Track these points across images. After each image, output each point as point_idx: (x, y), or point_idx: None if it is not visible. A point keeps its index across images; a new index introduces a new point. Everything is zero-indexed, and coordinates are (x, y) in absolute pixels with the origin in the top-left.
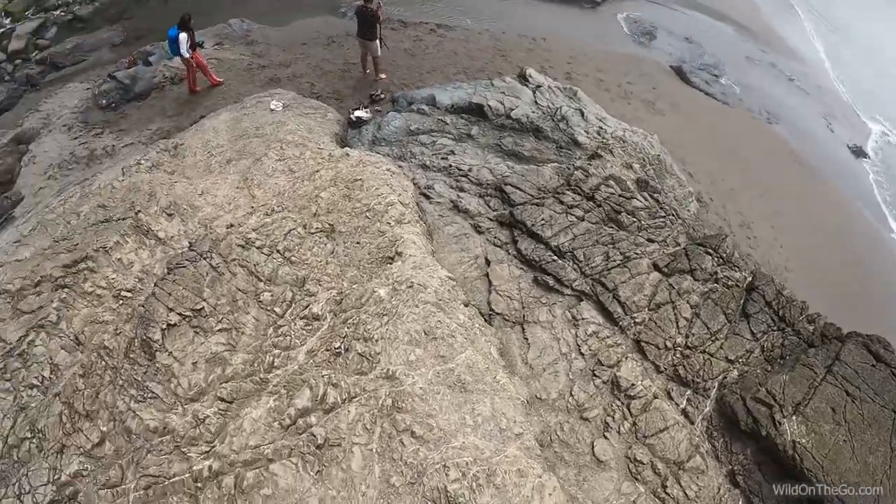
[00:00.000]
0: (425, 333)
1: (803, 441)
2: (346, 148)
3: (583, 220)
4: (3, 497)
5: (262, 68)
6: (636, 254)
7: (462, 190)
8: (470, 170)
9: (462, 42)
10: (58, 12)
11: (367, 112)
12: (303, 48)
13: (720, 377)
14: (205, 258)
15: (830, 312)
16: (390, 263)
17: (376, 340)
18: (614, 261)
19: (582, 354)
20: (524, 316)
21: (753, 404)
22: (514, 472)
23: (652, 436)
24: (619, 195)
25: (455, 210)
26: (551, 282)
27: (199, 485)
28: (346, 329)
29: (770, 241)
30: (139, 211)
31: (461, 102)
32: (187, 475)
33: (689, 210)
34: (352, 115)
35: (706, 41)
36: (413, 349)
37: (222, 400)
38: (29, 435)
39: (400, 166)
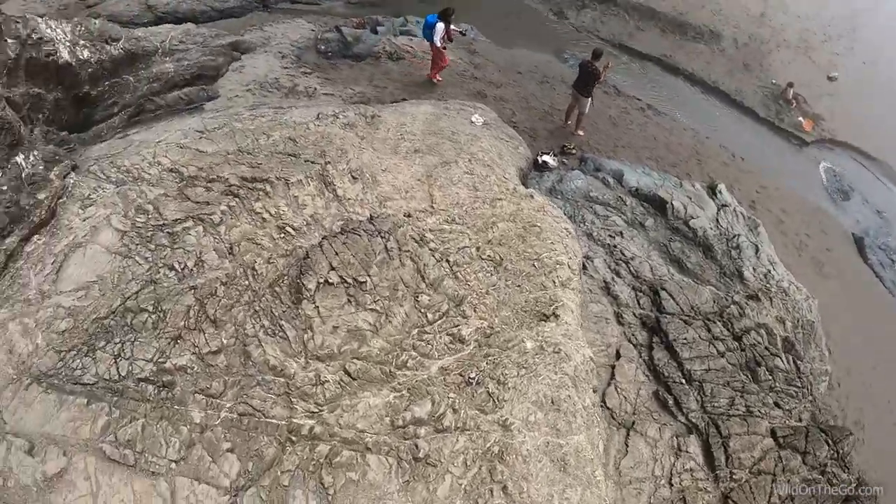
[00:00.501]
0: (552, 402)
1: None
2: (532, 189)
3: (723, 356)
4: (99, 349)
5: (475, 80)
6: (760, 412)
7: (618, 275)
8: (632, 258)
9: (665, 131)
10: None
11: (554, 160)
12: (517, 76)
13: None
14: (382, 237)
15: None
16: (544, 321)
17: (508, 388)
18: (737, 410)
19: (671, 485)
20: (633, 423)
21: None
22: None
23: None
24: (765, 348)
25: (605, 291)
26: (670, 402)
27: (292, 438)
28: (484, 364)
29: (877, 452)
30: (329, 162)
31: (646, 190)
32: (284, 423)
33: (819, 388)
34: (539, 158)
35: None
36: (536, 411)
37: (347, 373)
38: (150, 309)
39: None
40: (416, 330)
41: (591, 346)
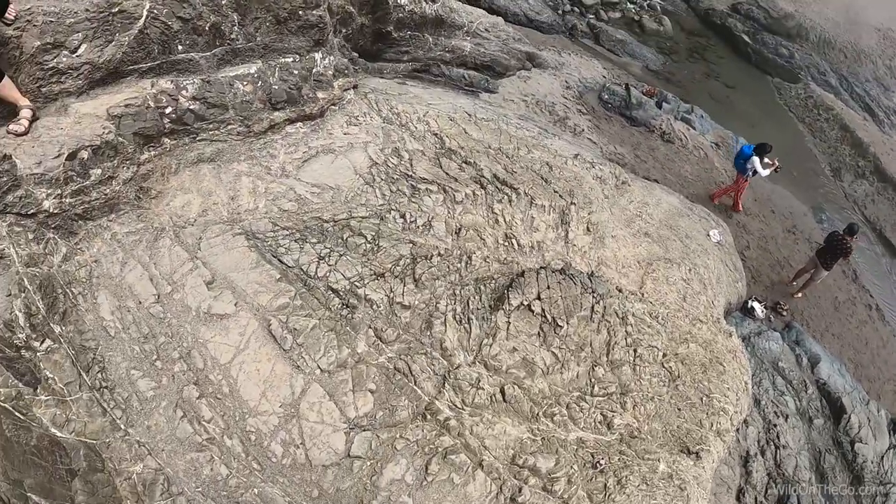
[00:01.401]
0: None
1: None
2: (732, 328)
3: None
4: (310, 243)
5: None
6: None
7: (762, 454)
8: (784, 447)
9: (881, 340)
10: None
11: (763, 312)
12: (768, 213)
13: None
14: (594, 297)
15: None
16: (685, 455)
17: (623, 492)
18: None
19: None
20: None
21: None
22: None
23: None
24: None
25: (742, 462)
26: None
27: (427, 415)
28: (616, 458)
29: None
30: (574, 203)
31: (833, 389)
32: (428, 399)
33: None
34: (749, 302)
35: None
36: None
37: (502, 392)
38: (368, 238)
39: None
40: (577, 393)
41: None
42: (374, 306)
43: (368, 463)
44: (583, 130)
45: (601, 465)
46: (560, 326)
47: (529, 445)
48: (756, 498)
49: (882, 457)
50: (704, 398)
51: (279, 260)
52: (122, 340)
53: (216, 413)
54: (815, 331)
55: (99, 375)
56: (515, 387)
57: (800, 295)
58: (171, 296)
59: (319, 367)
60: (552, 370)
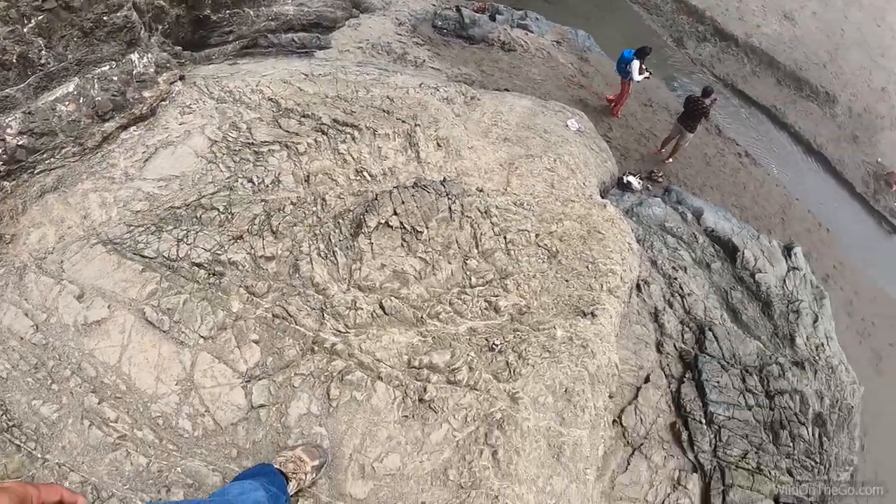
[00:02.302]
0: (565, 391)
1: None
2: (607, 201)
3: (750, 409)
4: (166, 231)
5: (580, 87)
6: (769, 474)
7: (670, 306)
8: (689, 294)
9: (756, 182)
10: None
11: (639, 183)
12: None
13: None
14: (449, 199)
15: None
16: (581, 317)
17: (527, 364)
18: (748, 463)
19: None
20: (641, 445)
21: None
22: None
23: None
24: (794, 414)
25: (653, 318)
26: (684, 437)
27: (314, 348)
28: (511, 336)
29: None
30: (419, 125)
31: (721, 233)
32: (311, 335)
33: (839, 476)
34: (624, 177)
35: None
36: (547, 395)
37: (382, 308)
38: (221, 209)
39: (638, 249)
40: (457, 289)
41: (624, 364)
42: (240, 266)
43: (273, 408)
44: (424, 61)
45: (497, 345)
46: (420, 232)
47: (422, 347)
48: (675, 345)
49: (784, 280)
50: (590, 265)
51: (140, 255)
52: (16, 378)
53: (120, 411)
54: (693, 188)
55: (3, 417)
56: (392, 298)
57: (671, 160)
58: (47, 322)
59: (201, 336)
60: (424, 274)
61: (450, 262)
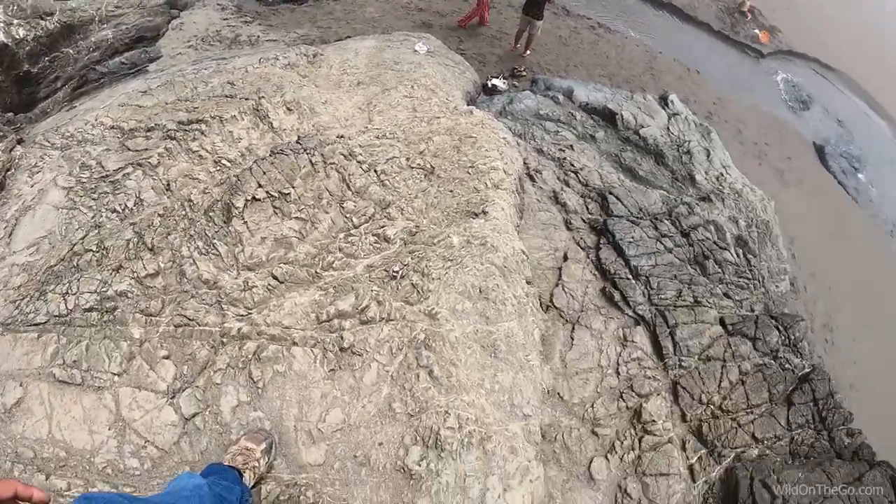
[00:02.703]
0: (480, 291)
1: None
2: (472, 107)
3: (670, 251)
4: (50, 290)
5: (420, 10)
6: (708, 303)
7: (567, 185)
8: (582, 169)
9: (617, 48)
10: None
11: (504, 83)
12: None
13: (739, 449)
14: (307, 153)
15: (879, 447)
16: (473, 219)
17: (433, 279)
18: (684, 300)
19: (618, 374)
20: (579, 318)
21: (759, 488)
22: (507, 447)
23: (650, 476)
24: (714, 242)
25: (553, 200)
26: (617, 297)
27: (223, 340)
28: (409, 259)
29: (846, 354)
30: (263, 97)
31: (596, 104)
32: (217, 329)
33: (778, 287)
34: (489, 82)
35: (857, 130)
36: (463, 301)
37: (275, 278)
38: (94, 249)
39: (518, 142)
40: (343, 234)
41: (539, 251)
42: (128, 294)
43: (206, 412)
44: (258, 37)
45: (397, 271)
46: (287, 194)
47: (325, 300)
48: (582, 218)
49: (667, 128)
50: (470, 169)
51: (33, 325)
52: None
53: (70, 478)
54: (558, 71)
55: None
56: (282, 265)
57: (528, 52)
58: None
59: (114, 374)
60: (306, 232)
61: (327, 212)
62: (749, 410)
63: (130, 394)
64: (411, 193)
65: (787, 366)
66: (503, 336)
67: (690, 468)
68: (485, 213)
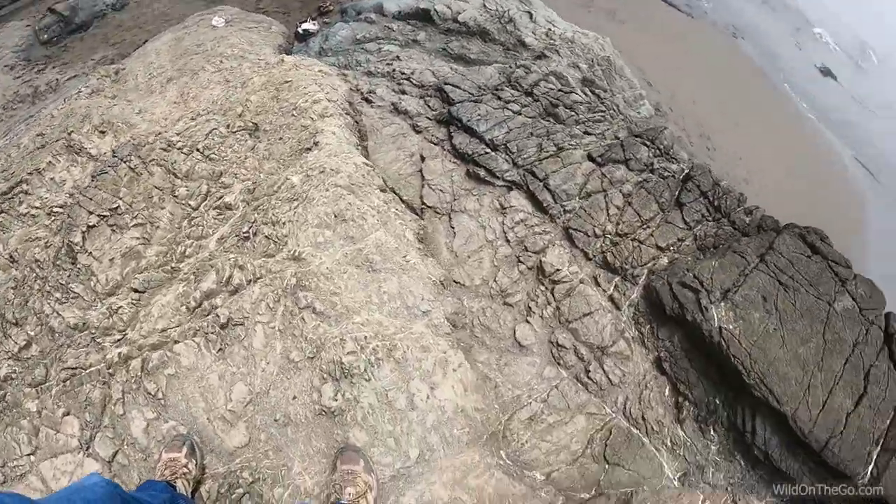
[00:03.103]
0: (335, 216)
1: (730, 327)
2: (282, 56)
3: (519, 113)
4: None
5: None
6: (570, 145)
7: (404, 93)
8: (413, 73)
9: None
10: None
11: (314, 24)
12: None
13: (649, 264)
14: (124, 161)
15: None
16: (307, 153)
17: (284, 224)
18: (547, 151)
19: (508, 241)
20: (452, 207)
21: (680, 289)
22: (418, 347)
23: (575, 320)
24: (559, 90)
25: (395, 112)
26: (483, 174)
27: (110, 371)
28: (256, 215)
29: (730, 153)
30: (72, 132)
31: (408, 9)
32: (102, 364)
33: (639, 112)
34: (299, 28)
35: None
36: (322, 231)
37: (135, 291)
38: None
39: (345, 73)
40: (185, 221)
41: (396, 162)
42: (12, 376)
43: (123, 446)
44: (57, 80)
45: (246, 231)
46: (116, 207)
47: (190, 290)
48: (426, 117)
49: (483, 5)
50: (294, 112)
51: None
52: None
53: None
54: None
55: None
56: (137, 276)
57: None
58: None
59: (29, 454)
60: (148, 235)
61: (162, 208)
62: (644, 226)
63: (50, 465)
64: (241, 156)
65: (666, 174)
66: (374, 248)
67: (611, 298)
68: (316, 143)
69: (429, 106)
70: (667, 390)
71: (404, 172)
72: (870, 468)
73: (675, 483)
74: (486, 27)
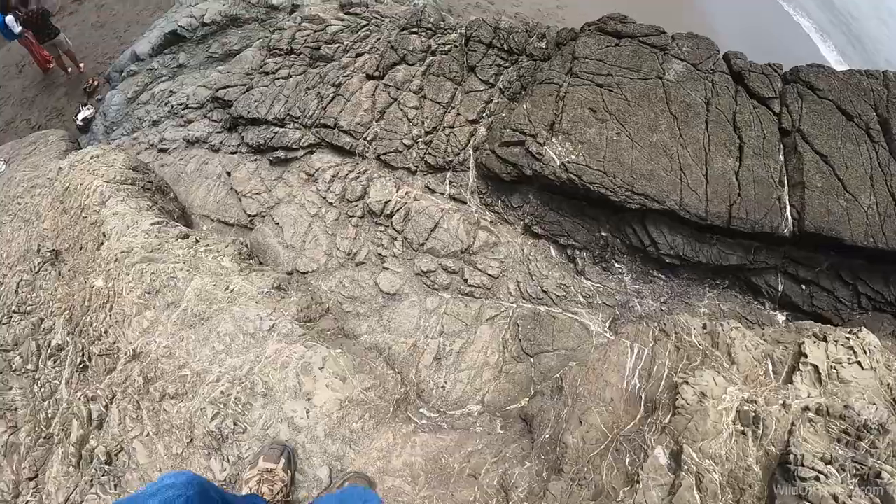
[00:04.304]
0: (147, 293)
1: (572, 158)
2: (59, 162)
3: (289, 77)
4: None
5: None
6: (345, 76)
7: (189, 122)
8: (189, 98)
9: None
10: None
11: (89, 109)
12: None
13: (471, 142)
14: None
15: None
16: (101, 248)
17: (107, 332)
18: (327, 97)
19: (331, 204)
20: (272, 206)
21: (504, 149)
22: (276, 368)
23: (427, 240)
24: (315, 31)
25: (189, 145)
26: (282, 154)
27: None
28: (82, 340)
29: None
30: None
31: (157, 41)
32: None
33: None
34: (76, 121)
35: None
36: (143, 315)
37: (30, 479)
38: None
39: (135, 138)
40: (34, 386)
41: (208, 193)
42: None
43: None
44: None
45: (81, 362)
46: None
47: (66, 448)
48: (217, 131)
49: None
50: (83, 213)
51: None
52: None
53: None
54: (115, 52)
55: None
56: (24, 467)
57: (81, 65)
58: None
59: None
60: (12, 423)
61: (9, 389)
62: (448, 109)
63: None
64: (51, 292)
65: (446, 48)
66: (195, 299)
67: (452, 198)
68: (104, 234)
69: (214, 120)
70: (552, 250)
71: (220, 198)
72: (787, 212)
73: (608, 335)
74: (233, 14)
